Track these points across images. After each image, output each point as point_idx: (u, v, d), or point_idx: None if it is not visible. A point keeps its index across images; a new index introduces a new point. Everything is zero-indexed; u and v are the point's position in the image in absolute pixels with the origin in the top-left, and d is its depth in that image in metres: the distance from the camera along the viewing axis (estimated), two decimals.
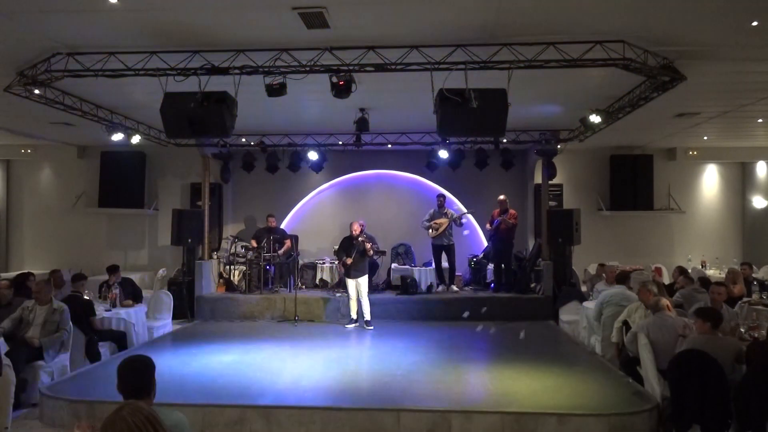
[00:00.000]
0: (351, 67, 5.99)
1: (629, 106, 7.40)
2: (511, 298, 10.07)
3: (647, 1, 4.80)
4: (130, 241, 12.12)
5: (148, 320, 8.35)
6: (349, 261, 9.00)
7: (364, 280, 9.15)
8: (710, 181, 12.29)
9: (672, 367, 4.67)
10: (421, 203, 11.63)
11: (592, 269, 11.01)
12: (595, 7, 4.96)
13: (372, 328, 9.08)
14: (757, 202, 11.72)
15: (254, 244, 10.67)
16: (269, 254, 10.48)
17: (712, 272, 10.18)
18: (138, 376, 2.71)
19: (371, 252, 9.25)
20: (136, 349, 7.39)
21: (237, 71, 6.10)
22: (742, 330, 5.41)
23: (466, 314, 7.16)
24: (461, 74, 5.85)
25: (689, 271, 8.44)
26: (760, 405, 4.04)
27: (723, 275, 9.06)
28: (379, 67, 5.99)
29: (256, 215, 12.13)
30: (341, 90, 6.10)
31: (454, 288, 10.62)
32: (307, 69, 6.04)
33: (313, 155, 10.76)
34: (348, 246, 9.13)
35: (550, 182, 10.83)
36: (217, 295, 10.45)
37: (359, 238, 9.05)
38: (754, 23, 5.14)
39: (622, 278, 7.48)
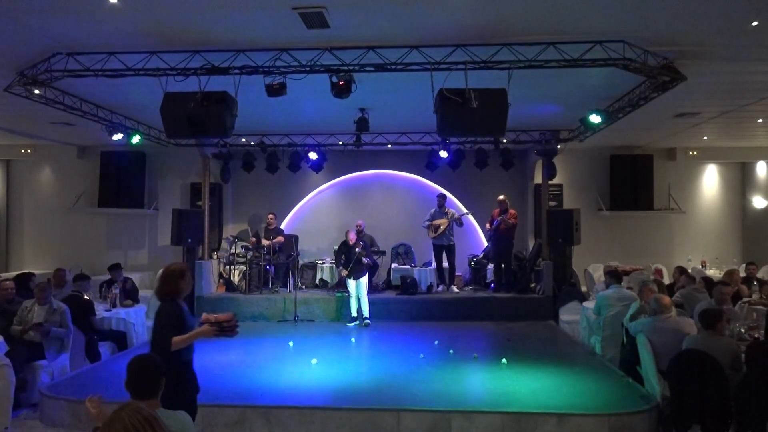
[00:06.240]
0: (351, 67, 5.99)
1: (629, 106, 7.40)
2: (511, 298, 10.07)
3: (647, 1, 4.79)
4: (130, 241, 12.11)
5: (148, 320, 8.33)
6: (344, 273, 9.26)
7: (364, 279, 9.40)
8: (710, 181, 12.28)
9: (672, 367, 4.67)
10: (421, 203, 11.62)
11: (592, 269, 11.01)
12: (595, 7, 4.96)
13: (368, 324, 9.23)
14: (757, 202, 11.71)
15: (254, 241, 10.69)
16: (269, 255, 10.48)
17: (712, 272, 10.16)
18: (146, 375, 2.73)
19: (369, 263, 9.55)
20: (136, 349, 7.38)
21: (237, 71, 6.11)
22: (742, 330, 5.41)
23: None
24: (461, 74, 5.85)
25: (689, 270, 8.42)
26: (760, 405, 4.05)
27: (721, 274, 9.05)
28: (379, 67, 5.99)
29: (256, 215, 12.12)
30: (341, 90, 6.11)
31: (454, 288, 10.62)
32: (307, 69, 6.04)
33: (313, 155, 10.76)
34: (346, 252, 9.34)
35: (550, 182, 10.82)
36: (217, 295, 10.45)
37: (356, 249, 9.25)
38: (754, 23, 5.14)
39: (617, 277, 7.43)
